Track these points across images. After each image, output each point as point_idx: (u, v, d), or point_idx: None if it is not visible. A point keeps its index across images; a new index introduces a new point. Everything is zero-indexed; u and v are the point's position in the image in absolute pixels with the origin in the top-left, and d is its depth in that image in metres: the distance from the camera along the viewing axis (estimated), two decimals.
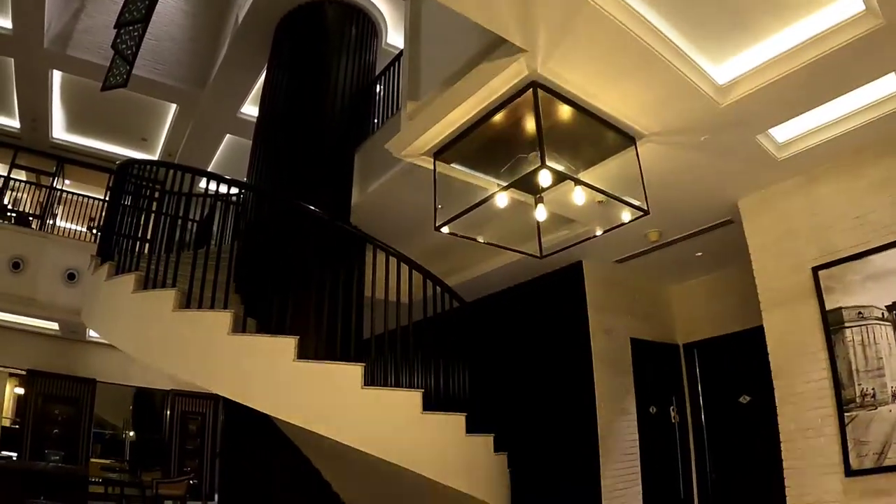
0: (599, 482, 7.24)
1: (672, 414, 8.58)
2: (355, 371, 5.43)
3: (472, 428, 5.96)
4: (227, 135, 12.66)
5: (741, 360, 8.17)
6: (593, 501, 7.19)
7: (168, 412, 15.29)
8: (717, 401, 8.56)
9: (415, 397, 5.62)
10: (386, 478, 6.01)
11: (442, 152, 5.60)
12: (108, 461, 15.11)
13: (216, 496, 13.95)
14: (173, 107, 12.82)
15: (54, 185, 14.83)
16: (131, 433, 16.33)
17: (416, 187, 6.59)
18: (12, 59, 11.82)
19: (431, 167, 5.67)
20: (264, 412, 5.67)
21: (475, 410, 6.13)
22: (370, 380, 5.58)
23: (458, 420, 5.90)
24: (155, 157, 14.16)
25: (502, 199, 5.27)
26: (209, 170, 12.51)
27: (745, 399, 8.09)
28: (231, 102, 11.59)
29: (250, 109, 11.48)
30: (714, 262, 8.22)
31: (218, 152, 13.07)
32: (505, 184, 5.15)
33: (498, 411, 7.02)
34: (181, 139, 13.13)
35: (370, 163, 7.67)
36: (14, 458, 13.44)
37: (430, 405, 5.73)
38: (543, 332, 8.32)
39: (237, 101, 11.56)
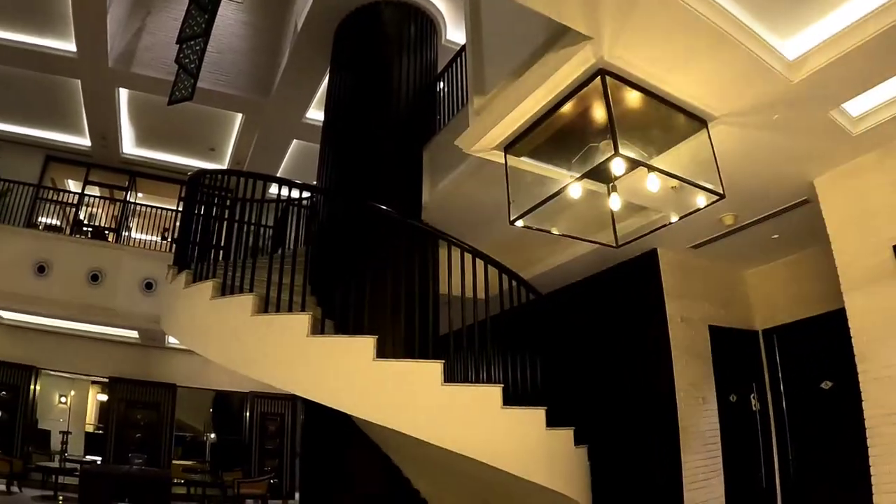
0: (681, 473, 7.09)
1: (752, 401, 8.37)
2: (435, 368, 5.42)
3: (551, 421, 5.88)
4: (294, 140, 12.89)
5: (822, 344, 7.90)
6: (675, 492, 7.06)
7: (247, 414, 15.64)
8: (799, 387, 8.29)
9: (494, 392, 5.58)
10: (466, 474, 6.01)
11: (512, 146, 5.54)
12: (189, 463, 15.58)
13: (296, 495, 14.29)
14: (239, 116, 13.10)
15: (127, 198, 15.31)
16: (212, 435, 16.71)
17: (485, 182, 6.57)
18: (79, 81, 12.30)
19: (501, 161, 5.63)
20: (345, 412, 5.73)
21: (554, 404, 6.05)
22: (449, 376, 5.56)
23: (537, 414, 5.83)
24: (224, 166, 14.49)
25: (576, 190, 5.20)
26: (278, 175, 12.75)
27: (827, 385, 7.84)
28: (296, 108, 11.74)
29: (315, 114, 11.62)
30: (791, 244, 7.96)
31: (286, 158, 13.29)
32: (576, 174, 5.07)
33: (577, 404, 6.90)
34: (249, 147, 13.39)
35: (438, 160, 7.69)
36: (99, 462, 13.93)
37: (509, 400, 5.68)
38: (620, 321, 8.18)
39: (302, 107, 11.71)
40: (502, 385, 5.68)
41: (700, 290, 8.04)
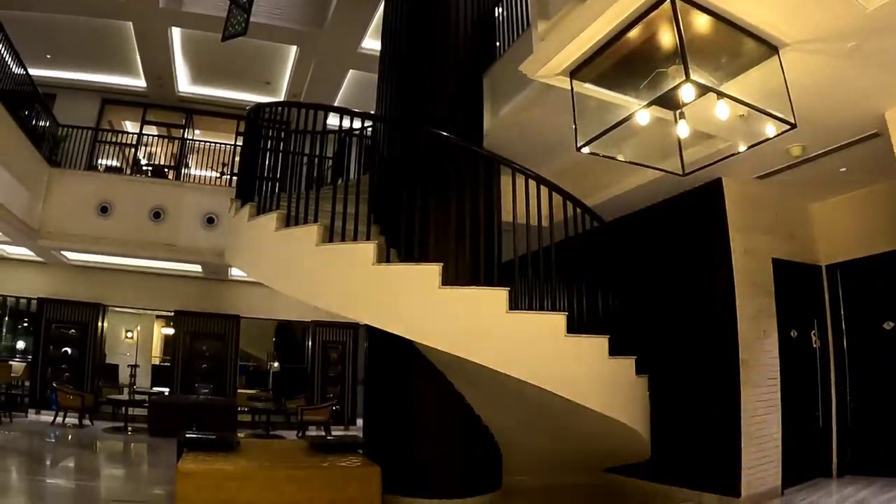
0: (739, 407, 7.04)
1: (813, 338, 8.27)
2: (500, 295, 5.47)
3: (614, 350, 5.92)
4: (351, 70, 12.87)
5: (887, 283, 7.78)
6: (733, 426, 7.03)
7: (309, 342, 15.97)
8: (860, 326, 8.18)
9: (559, 320, 5.63)
10: (528, 400, 6.09)
11: (577, 71, 5.41)
12: (253, 391, 16.11)
13: (358, 421, 14.62)
14: (294, 49, 13.02)
15: (185, 136, 15.50)
16: (275, 364, 17.18)
17: (548, 108, 6.48)
18: (131, 23, 12.42)
19: (566, 87, 5.51)
20: (410, 339, 5.81)
21: (616, 332, 6.07)
22: (513, 304, 5.59)
23: (601, 342, 5.88)
24: (280, 99, 14.45)
25: (644, 117, 5.10)
26: (336, 105, 12.76)
27: (889, 325, 7.72)
28: (351, 38, 11.71)
29: (371, 43, 11.59)
30: (859, 178, 7.72)
31: (342, 89, 13.27)
32: (643, 100, 4.95)
33: (638, 333, 6.89)
34: (304, 80, 13.38)
35: (499, 87, 7.55)
36: (166, 393, 14.47)
37: (572, 328, 5.72)
38: (683, 251, 8.06)
39: (357, 36, 11.67)
40: (566, 313, 5.70)
41: (764, 222, 7.87)
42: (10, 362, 14.62)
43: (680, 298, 7.98)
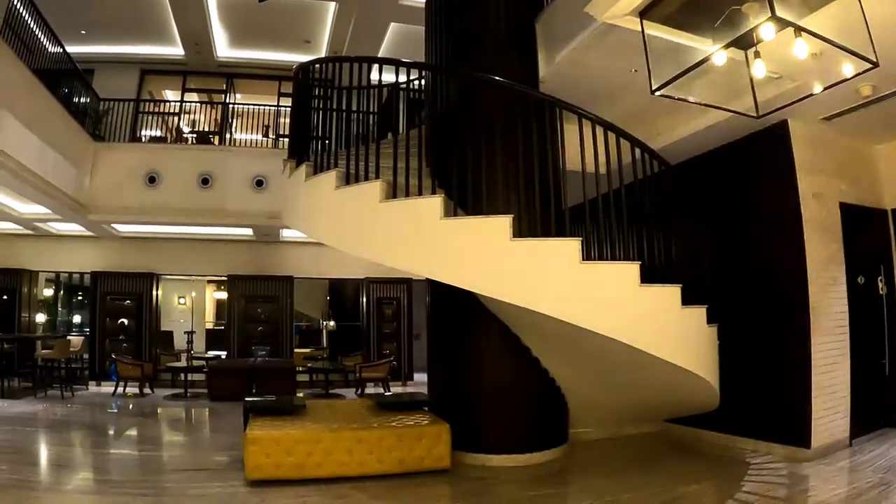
0: (810, 356, 6.89)
1: (880, 285, 8.05)
2: (572, 246, 5.36)
3: (684, 299, 5.78)
4: (392, 24, 12.66)
5: None
6: (803, 375, 6.90)
7: (363, 299, 15.98)
8: None
9: (632, 270, 5.50)
10: (597, 354, 6.04)
11: (647, 11, 5.25)
12: (308, 350, 16.27)
13: (415, 376, 14.76)
14: (332, 5, 12.76)
15: (226, 100, 15.47)
16: (330, 323, 17.34)
17: (608, 52, 6.32)
18: None
19: (635, 28, 5.34)
20: (480, 294, 5.75)
21: (686, 281, 5.91)
22: (584, 254, 5.48)
23: (673, 292, 5.72)
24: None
25: (720, 58, 4.92)
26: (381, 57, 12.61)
27: None
28: None
29: None
30: None
31: (384, 43, 13.06)
32: (714, 39, 4.83)
33: (706, 281, 6.73)
34: (345, 36, 13.18)
35: (553, 32, 7.31)
36: (223, 357, 14.69)
37: (643, 277, 5.58)
38: (750, 196, 7.80)
39: None
40: (639, 262, 5.59)
41: (831, 166, 7.59)
42: (69, 337, 14.85)
43: (748, 244, 7.77)
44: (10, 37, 9.48)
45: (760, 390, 7.33)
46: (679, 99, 5.46)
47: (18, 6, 9.91)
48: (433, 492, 6.01)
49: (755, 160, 7.70)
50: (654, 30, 5.32)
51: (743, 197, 7.86)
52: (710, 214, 7.78)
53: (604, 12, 5.40)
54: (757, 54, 5.14)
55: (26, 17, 10.24)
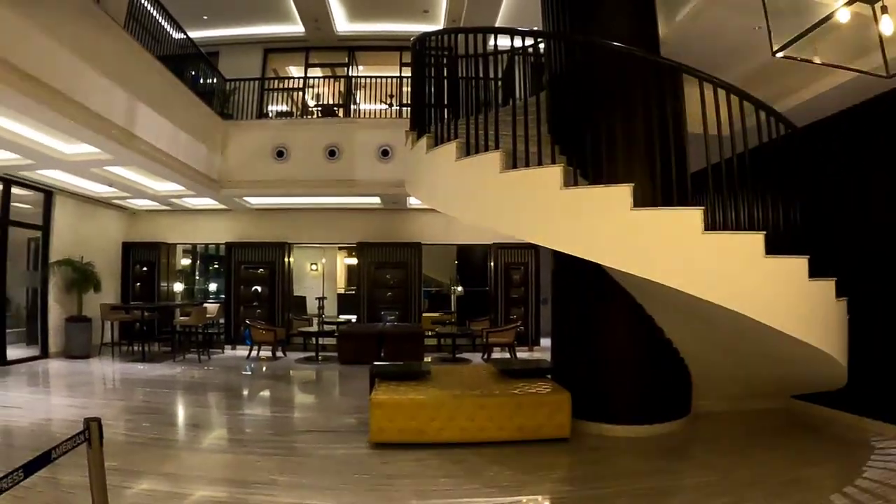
0: None
1: None
2: (694, 215, 5.18)
3: (812, 271, 5.47)
4: None
5: None
6: None
7: (491, 264, 16.03)
8: None
9: (756, 240, 5.24)
10: (721, 325, 5.87)
11: None
12: (436, 314, 16.69)
13: (541, 341, 14.78)
14: None
15: (349, 73, 15.78)
16: (458, 288, 17.64)
17: (728, 9, 6.08)
18: None
19: None
20: (603, 264, 5.68)
21: (812, 251, 5.59)
22: (707, 224, 5.29)
23: (800, 263, 5.41)
24: (439, 27, 14.26)
25: (844, 15, 4.60)
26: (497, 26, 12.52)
27: None
28: None
29: None
30: None
31: (502, 8, 12.90)
32: None
33: (835, 251, 6.32)
34: (462, 4, 13.05)
35: None
36: (353, 322, 15.26)
37: (768, 247, 5.31)
38: (882, 160, 7.12)
39: None
40: (764, 232, 5.33)
41: None
42: (205, 304, 15.74)
43: (881, 213, 7.13)
44: (135, 28, 10.08)
45: (891, 370, 6.82)
46: (802, 60, 5.15)
47: None
48: (550, 460, 6.03)
49: (888, 122, 7.08)
50: None
51: (876, 162, 7.22)
52: (839, 181, 7.31)
53: None
54: (884, 9, 4.76)
55: (149, 8, 10.82)
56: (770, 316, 5.20)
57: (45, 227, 13.09)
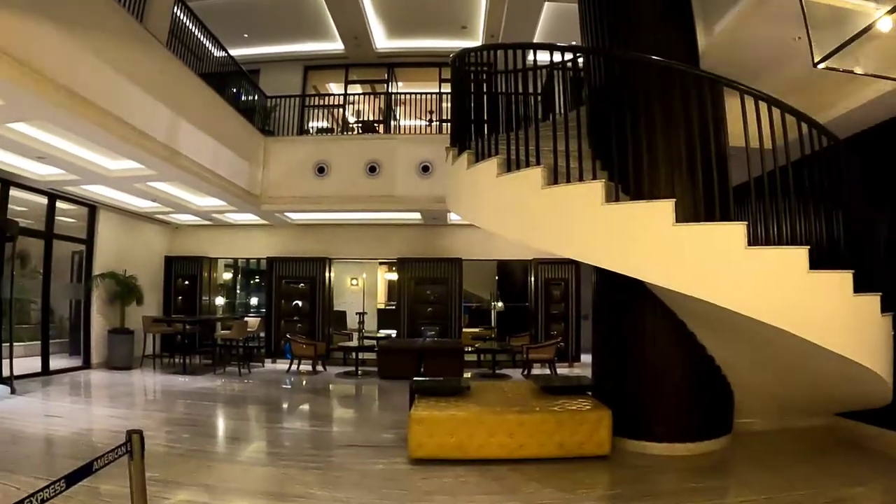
0: None
1: None
2: (737, 231, 5.11)
3: (856, 286, 5.32)
4: (546, 3, 12.55)
5: None
6: None
7: (531, 280, 16.00)
8: None
9: (800, 255, 5.14)
10: (764, 342, 5.73)
11: None
12: (476, 330, 16.64)
13: (582, 357, 14.73)
14: None
15: (389, 90, 15.92)
16: (499, 304, 17.53)
17: (769, 19, 5.95)
18: None
19: None
20: (645, 281, 5.62)
21: (856, 265, 5.44)
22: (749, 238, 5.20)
23: (844, 278, 5.28)
24: (477, 43, 14.47)
25: (886, 24, 4.50)
26: (535, 41, 12.54)
27: None
28: None
29: None
30: None
31: (539, 23, 12.97)
32: (879, 2, 4.38)
33: (880, 265, 6.14)
34: (500, 19, 13.22)
35: (710, 2, 7.00)
36: (393, 335, 15.32)
37: (812, 262, 5.19)
38: None
39: None
40: (808, 247, 5.22)
41: None
42: (246, 318, 15.86)
43: None
44: (177, 46, 10.34)
45: None
46: (844, 70, 5.04)
47: (182, 18, 10.75)
48: (590, 478, 5.95)
49: None
50: None
51: None
52: (883, 193, 7.13)
53: None
54: None
55: (191, 27, 11.09)
56: (813, 332, 5.09)
57: (89, 241, 13.42)
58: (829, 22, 4.88)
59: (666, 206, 5.23)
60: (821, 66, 4.91)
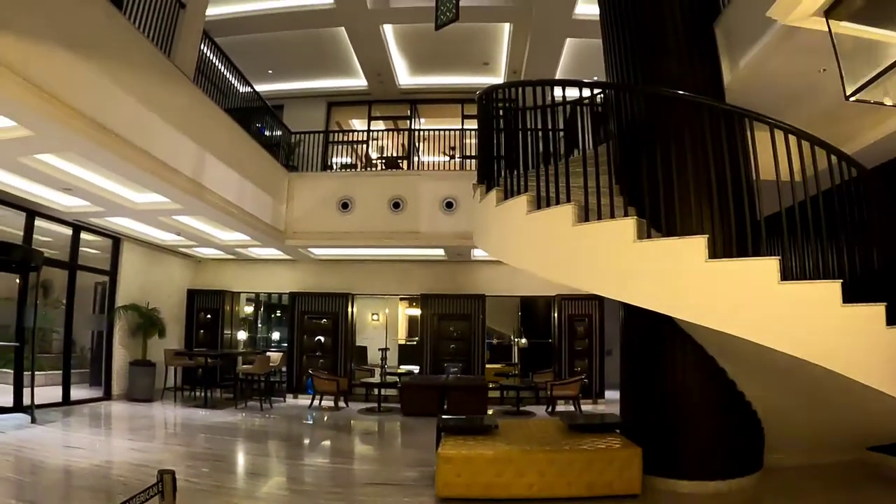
0: None
1: None
2: (770, 266, 5.07)
3: (889, 318, 5.22)
4: (568, 39, 12.62)
5: None
6: None
7: (555, 315, 15.91)
8: None
9: (833, 289, 5.08)
10: (797, 377, 5.66)
11: (832, 9, 4.93)
12: (499, 366, 16.50)
13: (606, 394, 14.61)
14: (507, 26, 13.04)
15: (412, 126, 16.05)
16: (522, 339, 17.45)
17: (793, 54, 5.99)
18: (343, 28, 13.12)
19: (821, 28, 5.04)
20: (676, 317, 5.57)
21: (888, 296, 5.33)
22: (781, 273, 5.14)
23: (878, 311, 5.18)
24: (500, 79, 14.60)
25: None
26: (557, 78, 12.59)
27: None
28: (563, 5, 11.47)
29: (585, 8, 11.36)
30: None
31: (562, 58, 13.05)
32: None
33: None
34: (522, 55, 13.35)
35: (734, 36, 7.02)
36: (415, 371, 15.28)
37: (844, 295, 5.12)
38: None
39: (569, 2, 11.41)
40: (841, 280, 5.15)
41: None
42: (268, 353, 15.78)
43: None
44: (203, 83, 10.50)
45: None
46: (875, 103, 5.03)
47: (209, 53, 10.94)
48: None
49: None
50: (842, 29, 4.97)
51: None
52: None
53: (787, 15, 5.13)
54: None
55: (217, 63, 11.26)
56: (846, 366, 5.00)
57: (113, 272, 13.55)
58: (855, 53, 4.92)
59: (699, 242, 5.21)
60: (852, 98, 4.90)
